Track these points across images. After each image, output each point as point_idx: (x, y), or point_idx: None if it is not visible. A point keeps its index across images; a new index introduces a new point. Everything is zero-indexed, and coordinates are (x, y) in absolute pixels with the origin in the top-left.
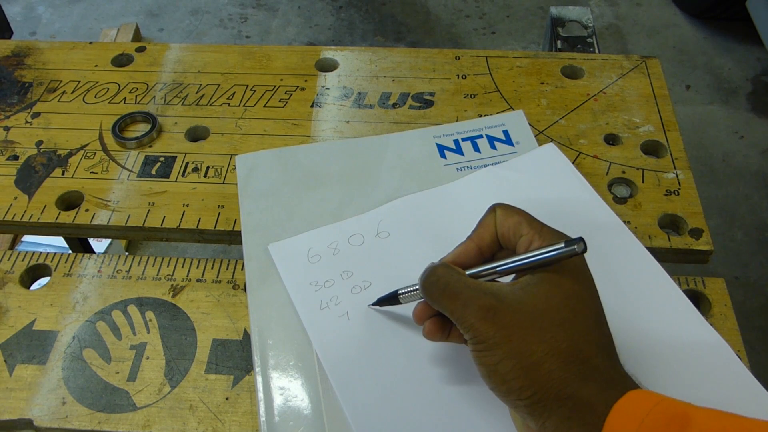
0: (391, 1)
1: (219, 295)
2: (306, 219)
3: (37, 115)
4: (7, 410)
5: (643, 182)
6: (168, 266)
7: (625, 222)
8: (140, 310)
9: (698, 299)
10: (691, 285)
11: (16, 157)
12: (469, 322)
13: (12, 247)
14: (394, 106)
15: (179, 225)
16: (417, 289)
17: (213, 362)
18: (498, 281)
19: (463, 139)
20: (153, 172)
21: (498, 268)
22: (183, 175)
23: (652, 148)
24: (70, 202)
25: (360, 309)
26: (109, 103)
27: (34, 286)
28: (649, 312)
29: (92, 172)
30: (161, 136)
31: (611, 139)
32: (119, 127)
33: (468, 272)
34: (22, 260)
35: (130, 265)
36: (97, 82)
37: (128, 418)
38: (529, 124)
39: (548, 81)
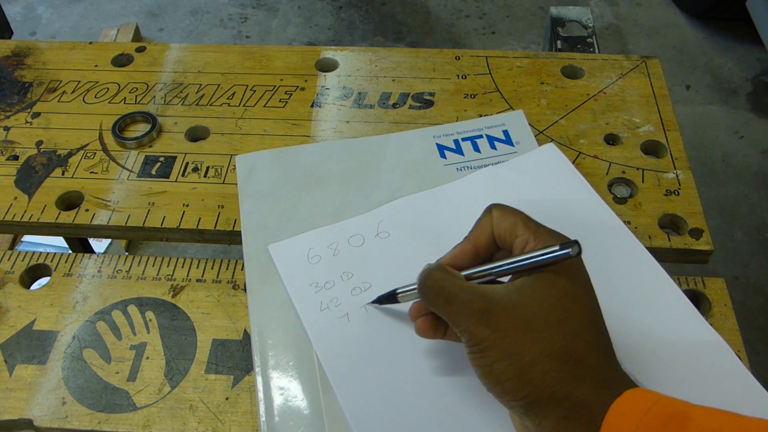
0: (391, 1)
1: (219, 295)
2: (306, 219)
3: (37, 115)
4: (7, 410)
5: (643, 182)
6: (168, 266)
7: (625, 222)
8: (140, 310)
9: (698, 299)
10: (691, 285)
11: (16, 157)
12: (464, 325)
13: (12, 247)
14: (394, 106)
15: (179, 225)
16: (415, 289)
17: (213, 362)
18: (498, 281)
19: (463, 139)
20: (153, 172)
21: (493, 270)
22: (183, 175)
23: (652, 148)
24: (70, 202)
25: (360, 310)
26: (109, 103)
27: (34, 286)
28: (649, 312)
29: (92, 172)
30: (161, 136)
31: (611, 139)
32: (119, 127)
33: (464, 273)
34: (22, 260)
35: (130, 265)
36: (97, 82)
37: (128, 418)
38: (529, 124)
39: (548, 81)
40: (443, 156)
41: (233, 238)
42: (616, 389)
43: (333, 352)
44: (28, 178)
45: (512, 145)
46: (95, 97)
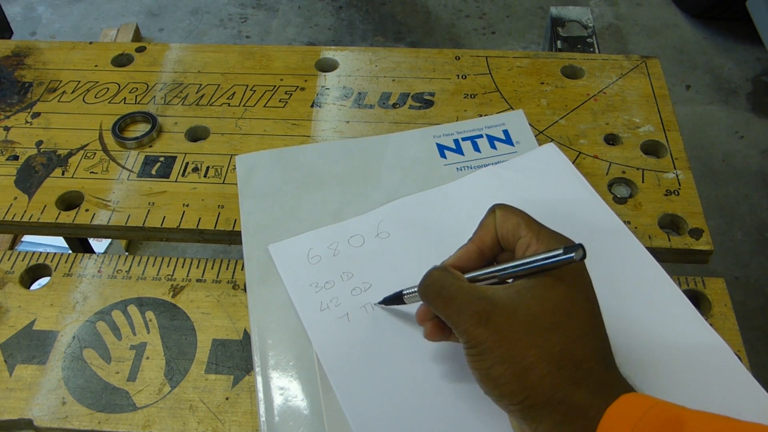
0: (391, 1)
1: (219, 295)
2: (306, 219)
3: (37, 115)
4: (7, 410)
5: (643, 182)
6: (168, 266)
7: (625, 222)
8: (140, 310)
9: (698, 299)
10: (691, 285)
11: (16, 157)
12: (462, 326)
13: (12, 247)
14: (394, 106)
15: (179, 225)
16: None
17: (213, 362)
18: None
19: (463, 139)
20: (153, 172)
21: (497, 273)
22: (183, 175)
23: (652, 148)
24: (70, 202)
25: (360, 310)
26: (109, 103)
27: (34, 286)
28: (649, 313)
29: (92, 172)
30: (161, 136)
31: (611, 139)
32: (119, 127)
33: (467, 275)
34: (22, 260)
35: (130, 265)
36: (97, 82)
37: (128, 418)
38: (529, 124)
39: (548, 81)
40: (443, 156)
41: (233, 238)
42: (612, 394)
43: (333, 352)
44: (28, 178)
45: (512, 145)
46: (95, 97)
